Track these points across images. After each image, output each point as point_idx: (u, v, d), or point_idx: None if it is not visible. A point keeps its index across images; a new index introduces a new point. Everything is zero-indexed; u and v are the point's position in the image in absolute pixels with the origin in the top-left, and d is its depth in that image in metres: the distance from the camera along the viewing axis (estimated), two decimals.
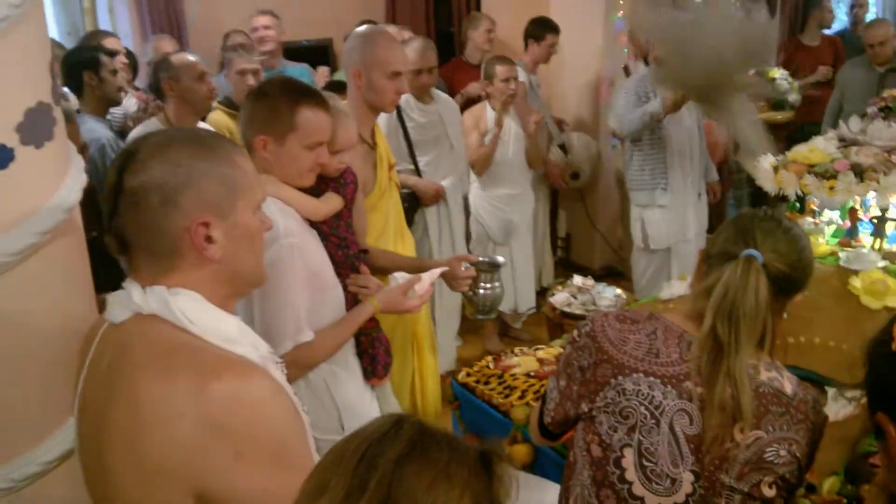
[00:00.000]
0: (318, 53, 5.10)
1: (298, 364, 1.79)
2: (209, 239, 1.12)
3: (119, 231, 1.12)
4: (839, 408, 1.92)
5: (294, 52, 4.73)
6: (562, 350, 1.55)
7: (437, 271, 2.16)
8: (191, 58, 3.14)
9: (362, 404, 2.01)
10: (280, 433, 1.09)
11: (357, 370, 2.06)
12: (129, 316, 1.12)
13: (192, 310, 1.11)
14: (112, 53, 3.41)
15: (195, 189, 1.10)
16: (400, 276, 2.12)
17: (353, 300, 2.08)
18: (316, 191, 2.00)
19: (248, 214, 1.18)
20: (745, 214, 1.45)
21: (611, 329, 1.43)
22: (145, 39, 4.84)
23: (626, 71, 4.79)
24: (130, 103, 3.62)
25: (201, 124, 3.25)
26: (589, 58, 5.01)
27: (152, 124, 3.11)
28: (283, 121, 1.82)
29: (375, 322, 2.15)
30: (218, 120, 3.47)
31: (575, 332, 1.50)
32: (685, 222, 3.94)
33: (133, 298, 1.11)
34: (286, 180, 1.88)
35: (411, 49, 3.56)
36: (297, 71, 4.37)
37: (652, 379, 1.36)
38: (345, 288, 2.04)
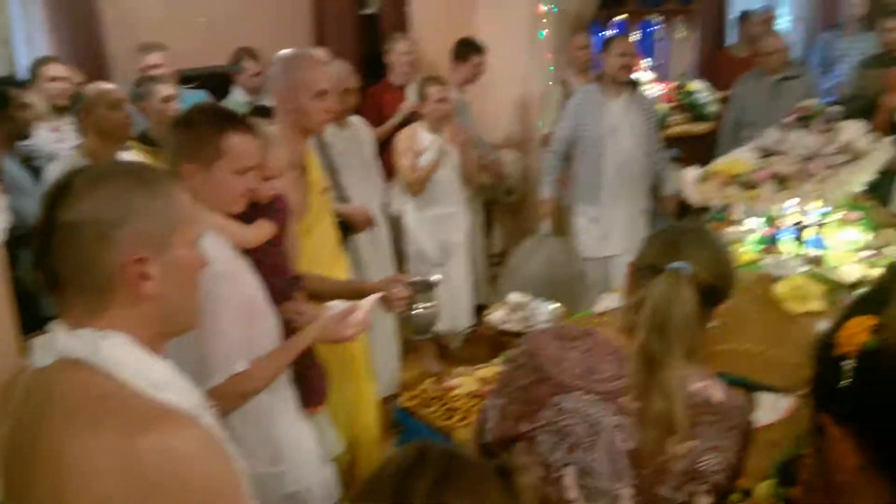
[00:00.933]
0: None
1: (233, 395, 1.74)
2: (145, 275, 1.09)
3: (50, 268, 1.07)
4: (769, 413, 1.98)
5: (220, 76, 4.66)
6: (502, 368, 1.55)
7: (373, 298, 2.13)
8: (104, 86, 3.05)
9: (300, 434, 1.96)
10: (213, 487, 1.04)
11: (292, 399, 2.01)
12: (53, 361, 1.07)
13: (121, 355, 1.06)
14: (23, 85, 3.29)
15: (132, 224, 1.07)
16: (336, 305, 2.07)
17: (287, 328, 2.05)
18: (247, 218, 1.96)
19: (185, 249, 1.15)
20: (670, 227, 1.49)
21: (548, 347, 1.44)
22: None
23: (565, 85, 4.86)
24: (43, 137, 3.49)
25: (125, 156, 3.15)
26: (517, 75, 5.08)
27: (69, 158, 3.01)
28: (209, 148, 1.79)
29: (310, 349, 2.12)
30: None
31: (513, 351, 1.51)
32: (614, 237, 4.04)
33: (58, 342, 1.06)
34: (216, 208, 1.84)
35: (334, 70, 3.57)
36: (197, 97, 4.30)
37: (589, 396, 1.37)
38: (279, 315, 2.00)
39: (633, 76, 4.29)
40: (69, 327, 1.07)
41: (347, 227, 3.42)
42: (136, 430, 0.98)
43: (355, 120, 3.76)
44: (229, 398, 1.71)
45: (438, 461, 0.79)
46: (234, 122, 1.84)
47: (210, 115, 1.85)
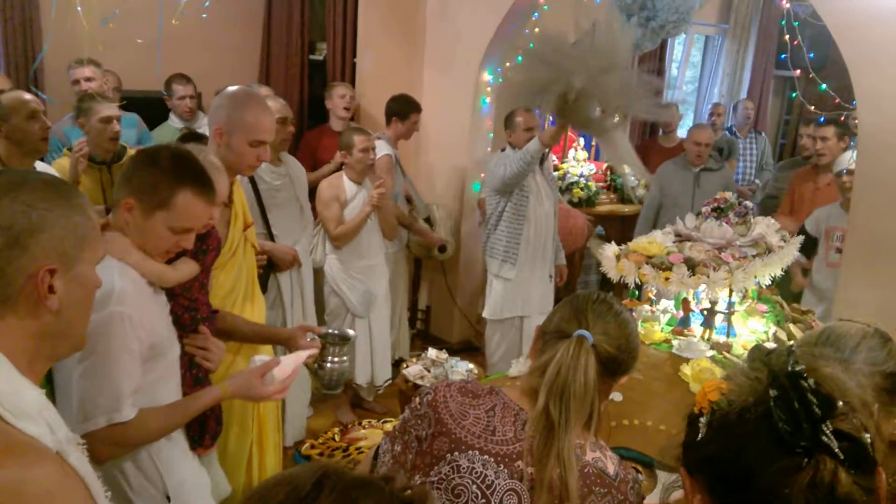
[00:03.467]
0: None
1: (109, 443, 1.63)
2: (52, 288, 1.06)
3: None
4: (667, 491, 2.01)
5: (148, 101, 4.59)
6: (404, 413, 1.52)
7: (302, 354, 2.02)
8: (24, 96, 2.97)
9: (189, 473, 1.88)
10: None
11: (181, 438, 1.93)
12: None
13: None
14: None
15: (47, 234, 1.06)
16: (259, 360, 1.95)
17: (188, 363, 1.98)
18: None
19: (89, 268, 1.14)
20: (580, 295, 1.51)
21: (452, 401, 1.43)
22: None
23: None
24: None
25: (39, 165, 3.05)
26: (457, 137, 5.18)
27: None
28: (158, 195, 1.72)
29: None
30: (64, 166, 3.29)
31: (417, 399, 1.48)
32: (527, 298, 4.11)
33: None
34: (138, 248, 1.77)
35: (274, 100, 3.61)
36: (128, 120, 4.23)
37: (486, 457, 1.37)
38: (182, 349, 1.94)
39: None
40: None
41: (270, 265, 3.38)
42: None
43: (290, 158, 3.74)
44: (105, 445, 1.61)
45: (339, 487, 0.76)
46: (195, 180, 1.76)
47: (175, 163, 1.76)
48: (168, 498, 1.79)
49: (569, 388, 1.34)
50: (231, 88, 2.55)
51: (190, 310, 2.01)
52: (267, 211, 3.44)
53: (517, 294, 4.12)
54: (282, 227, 3.51)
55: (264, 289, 3.29)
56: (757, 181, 6.36)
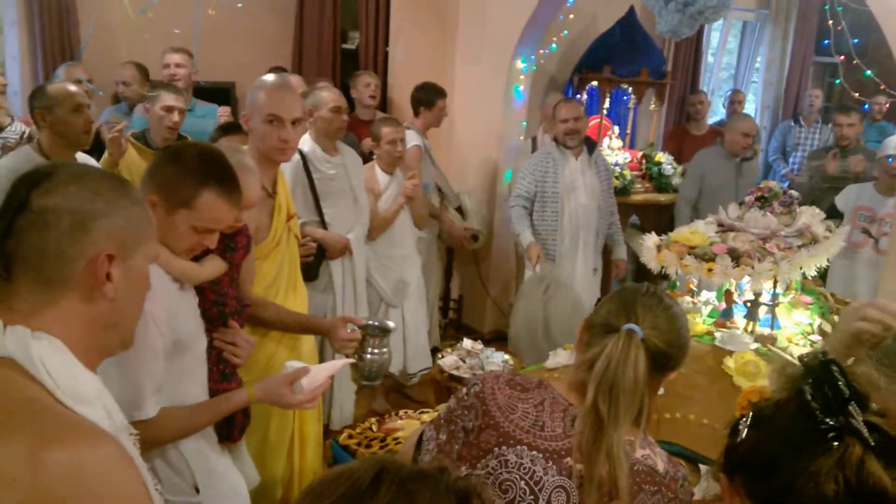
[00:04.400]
0: (218, 96, 5.00)
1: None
2: (109, 275, 1.08)
3: (6, 251, 1.05)
4: (710, 486, 1.97)
5: (197, 91, 4.62)
6: (449, 401, 1.50)
7: (337, 364, 1.98)
8: (70, 88, 2.98)
9: (217, 465, 1.87)
10: None
11: (209, 430, 1.91)
12: None
13: (52, 360, 1.02)
14: None
15: (110, 220, 1.09)
16: (290, 366, 1.90)
17: (216, 358, 1.97)
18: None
19: (145, 262, 1.17)
20: (628, 288, 1.47)
21: (501, 393, 1.41)
22: (35, 63, 4.62)
23: (534, 142, 4.94)
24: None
25: (80, 157, 3.08)
26: (489, 126, 5.14)
27: (24, 153, 2.94)
28: (182, 194, 1.69)
29: (239, 382, 2.05)
30: (127, 155, 3.32)
31: (464, 390, 1.46)
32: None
33: None
34: (162, 244, 1.75)
35: (329, 90, 3.60)
36: (208, 111, 4.28)
37: (535, 453, 1.34)
38: (211, 343, 1.93)
39: (589, 137, 4.36)
40: (4, 322, 1.03)
41: (322, 253, 3.39)
42: (49, 441, 0.94)
43: (347, 149, 3.71)
44: None
45: (397, 480, 0.77)
46: (218, 180, 1.73)
47: (201, 161, 1.73)
48: (196, 489, 1.79)
49: (618, 384, 1.31)
50: (262, 76, 2.56)
51: (218, 304, 1.99)
52: (320, 199, 3.44)
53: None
54: (335, 216, 3.50)
55: (315, 275, 3.32)
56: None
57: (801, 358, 0.97)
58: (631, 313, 1.38)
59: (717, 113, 7.45)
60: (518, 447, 1.35)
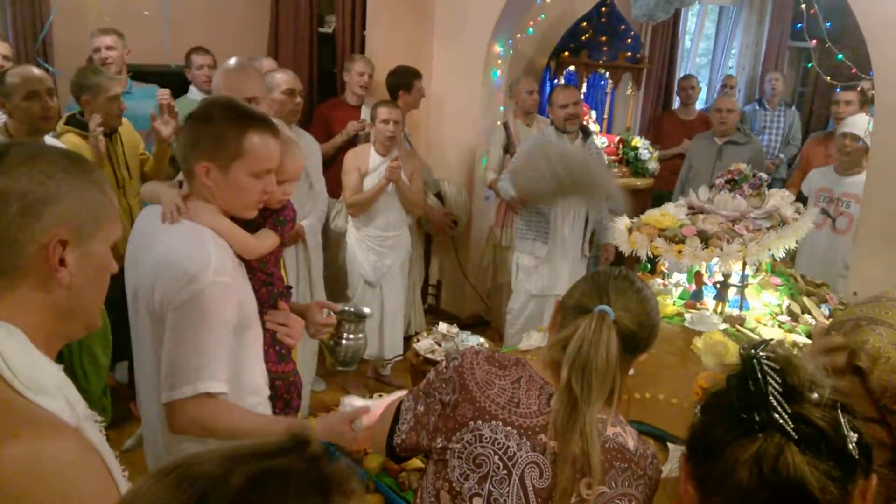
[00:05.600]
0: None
1: (190, 416, 1.63)
2: (62, 262, 1.04)
3: None
4: (678, 464, 2.01)
5: (167, 75, 4.57)
6: (429, 374, 1.52)
7: (392, 397, 1.79)
8: (28, 73, 2.92)
9: None
10: (85, 502, 0.96)
11: (268, 413, 1.91)
12: None
13: (10, 350, 0.99)
14: None
15: (62, 204, 1.04)
16: (349, 403, 1.84)
17: (270, 339, 1.96)
18: (251, 224, 1.86)
19: (103, 248, 1.12)
20: (601, 271, 1.50)
21: (479, 369, 1.43)
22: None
23: (506, 127, 4.95)
24: None
25: (49, 140, 3.05)
26: (467, 111, 5.14)
27: None
28: (229, 147, 1.69)
29: (293, 365, 2.05)
30: (74, 143, 3.28)
31: (443, 363, 1.48)
32: (558, 276, 4.11)
33: None
34: (228, 211, 1.76)
35: (283, 72, 3.56)
36: (145, 91, 4.22)
37: (510, 429, 1.37)
38: (263, 325, 1.92)
39: (584, 124, 4.40)
40: None
41: None
42: (4, 436, 0.91)
43: (304, 134, 3.70)
44: (183, 417, 1.61)
45: (242, 479, 0.66)
46: (256, 120, 1.73)
47: (231, 111, 1.73)
48: None
49: (591, 364, 1.33)
50: (225, 62, 2.57)
51: (267, 284, 1.97)
52: None
53: (548, 272, 4.15)
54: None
55: None
56: (781, 156, 6.29)
57: (739, 350, 0.99)
58: (603, 295, 1.40)
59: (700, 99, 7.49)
60: (493, 422, 1.37)
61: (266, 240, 1.92)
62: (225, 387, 1.66)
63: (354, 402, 1.85)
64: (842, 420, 0.89)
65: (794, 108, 6.76)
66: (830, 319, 2.75)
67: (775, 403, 0.89)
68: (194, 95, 4.51)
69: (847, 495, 0.88)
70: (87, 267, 1.09)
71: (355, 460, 2.27)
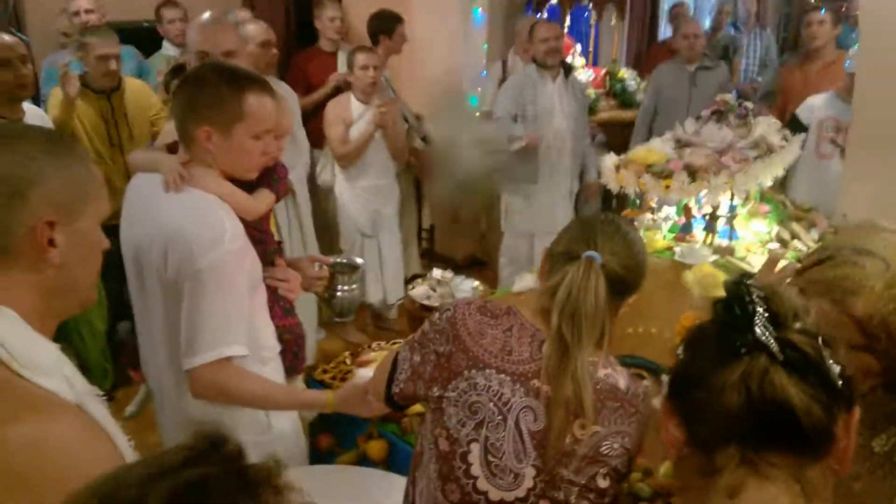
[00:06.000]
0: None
1: (209, 381, 1.66)
2: (51, 242, 1.05)
3: None
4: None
5: (140, 31, 4.47)
6: (424, 325, 1.55)
7: None
8: (2, 41, 2.86)
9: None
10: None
11: (280, 368, 1.95)
12: None
13: (5, 331, 0.99)
14: None
15: (47, 185, 1.03)
16: (364, 375, 1.86)
17: (273, 295, 1.98)
18: (246, 184, 1.87)
19: (92, 224, 1.12)
20: (588, 216, 1.52)
21: (471, 320, 1.46)
22: None
23: (504, 66, 4.87)
24: None
25: (28, 108, 3.02)
26: (446, 51, 5.05)
27: None
28: (229, 109, 1.68)
29: (297, 319, 2.09)
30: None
31: (436, 315, 1.51)
32: (551, 215, 4.11)
33: None
34: (231, 174, 1.76)
35: (255, 23, 3.50)
36: (125, 52, 4.14)
37: (503, 376, 1.40)
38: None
39: (565, 60, 4.33)
40: None
41: None
42: (6, 418, 0.91)
43: (283, 85, 3.64)
44: (204, 382, 1.64)
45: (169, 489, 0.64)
46: (252, 81, 1.73)
47: (227, 74, 1.73)
48: (268, 429, 1.85)
49: (580, 310, 1.35)
50: (198, 17, 2.52)
51: (261, 242, 1.97)
52: None
53: (538, 211, 4.17)
54: None
55: None
56: (760, 79, 6.21)
57: (724, 282, 1.00)
58: (591, 241, 1.41)
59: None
60: (487, 370, 1.40)
61: (264, 199, 1.94)
62: (245, 350, 1.69)
63: (368, 373, 1.88)
64: (817, 345, 0.91)
65: (768, 29, 6.64)
66: (819, 244, 2.78)
67: (761, 324, 0.91)
68: (167, 50, 4.43)
69: (832, 421, 0.90)
70: (77, 245, 1.08)
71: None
